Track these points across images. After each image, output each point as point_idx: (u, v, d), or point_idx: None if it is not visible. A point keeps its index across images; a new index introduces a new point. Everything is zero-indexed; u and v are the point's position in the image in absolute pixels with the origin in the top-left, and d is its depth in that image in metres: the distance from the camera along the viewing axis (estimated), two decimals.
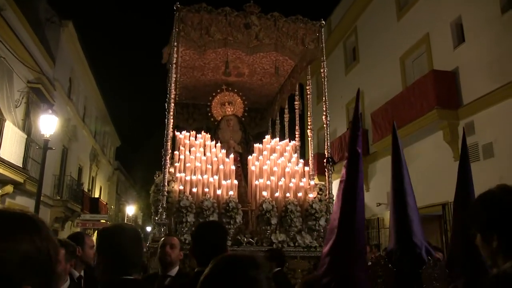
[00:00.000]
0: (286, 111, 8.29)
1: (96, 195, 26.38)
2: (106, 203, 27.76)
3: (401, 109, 12.34)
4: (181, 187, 5.92)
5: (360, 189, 2.12)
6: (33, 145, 13.68)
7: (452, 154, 10.84)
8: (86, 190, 22.78)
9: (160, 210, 5.58)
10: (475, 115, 10.36)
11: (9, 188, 12.41)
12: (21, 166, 12.46)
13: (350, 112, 17.15)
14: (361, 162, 2.17)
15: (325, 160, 6.23)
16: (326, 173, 6.23)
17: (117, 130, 33.29)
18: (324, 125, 6.40)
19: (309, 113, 6.89)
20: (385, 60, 14.48)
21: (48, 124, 10.99)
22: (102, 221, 22.36)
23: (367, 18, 16.14)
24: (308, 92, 7.10)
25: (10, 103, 12.21)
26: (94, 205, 23.10)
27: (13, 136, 11.88)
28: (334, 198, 2.23)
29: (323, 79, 6.55)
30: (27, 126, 14.07)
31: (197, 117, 8.97)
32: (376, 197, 14.44)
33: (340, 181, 2.18)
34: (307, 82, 7.14)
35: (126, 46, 71.03)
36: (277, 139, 7.63)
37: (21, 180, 12.57)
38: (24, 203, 14.24)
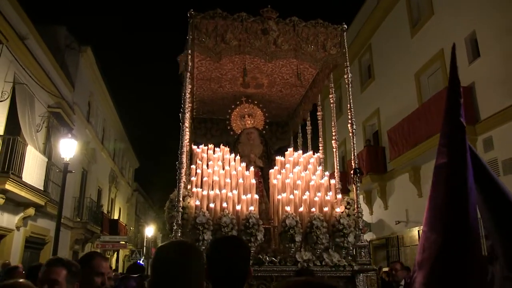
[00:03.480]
0: (309, 123, 7.61)
1: (116, 217, 25.88)
2: (126, 225, 27.27)
3: (417, 126, 11.80)
4: (198, 203, 5.24)
5: (470, 173, 1.40)
6: (54, 168, 13.39)
7: None
8: (105, 211, 22.33)
9: (175, 227, 4.91)
10: (493, 130, 9.78)
11: (30, 211, 12.21)
12: (42, 189, 12.24)
13: (366, 130, 16.54)
14: (466, 139, 1.47)
15: (352, 171, 5.52)
16: (354, 186, 5.50)
17: (136, 151, 32.95)
18: (350, 134, 5.68)
19: (333, 123, 6.22)
20: (400, 76, 13.94)
21: (68, 147, 10.96)
22: (121, 242, 21.86)
23: (381, 36, 15.69)
24: (332, 101, 6.43)
25: (32, 128, 12.02)
26: (114, 227, 22.68)
27: (35, 160, 11.71)
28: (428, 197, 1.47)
29: (347, 86, 5.90)
30: (47, 150, 13.90)
31: (215, 133, 8.26)
32: (395, 215, 13.75)
33: (437, 167, 1.45)
34: (330, 90, 6.49)
35: (143, 65, 71.30)
36: (300, 151, 6.94)
37: (42, 203, 12.37)
38: (45, 225, 14.13)
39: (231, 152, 6.49)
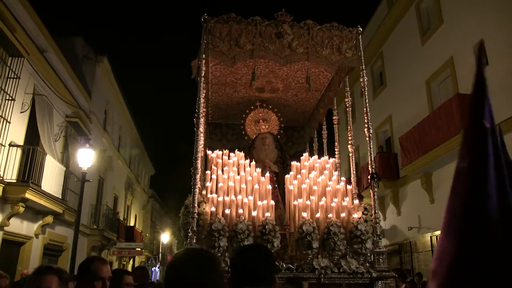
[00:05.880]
0: (324, 127, 7.37)
1: (131, 224, 25.63)
2: (141, 231, 27.07)
3: (428, 133, 11.52)
4: (213, 209, 5.04)
5: (492, 178, 1.24)
6: (72, 176, 13.32)
7: None
8: (121, 218, 22.10)
9: (190, 234, 4.70)
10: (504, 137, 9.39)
11: (49, 219, 12.10)
12: (60, 197, 12.13)
13: (379, 137, 16.22)
14: (491, 143, 1.30)
15: (369, 176, 5.27)
16: (371, 191, 5.26)
17: (151, 158, 32.67)
18: (367, 139, 5.43)
19: (349, 127, 5.98)
20: (411, 84, 13.67)
21: (86, 157, 10.84)
22: (137, 249, 21.67)
23: (392, 43, 15.45)
24: (347, 105, 6.21)
25: (50, 137, 11.98)
26: (130, 234, 22.38)
27: (53, 169, 11.62)
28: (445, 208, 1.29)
29: (363, 89, 5.69)
30: (65, 159, 13.79)
31: (231, 138, 8.00)
32: (408, 221, 13.40)
33: (458, 170, 1.30)
34: (346, 94, 6.27)
35: (158, 72, 71.22)
36: (316, 156, 6.70)
37: (61, 211, 12.23)
38: (63, 232, 14.08)
39: (245, 157, 6.29)
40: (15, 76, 9.93)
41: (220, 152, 6.33)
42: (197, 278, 1.44)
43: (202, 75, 5.42)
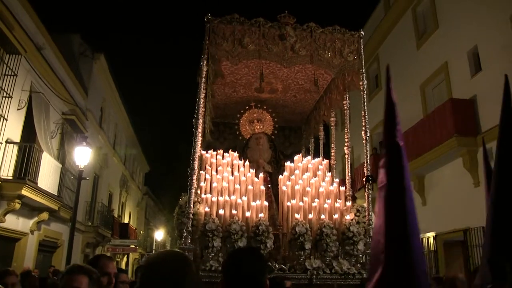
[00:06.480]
0: (321, 128, 7.43)
1: (126, 221, 25.59)
2: (135, 228, 27.04)
3: (421, 136, 11.65)
4: (207, 209, 5.08)
5: (409, 191, 1.36)
6: (68, 174, 13.30)
7: (472, 180, 10.06)
8: (116, 216, 22.08)
9: (185, 234, 4.74)
10: (494, 142, 9.49)
11: (44, 215, 12.10)
12: (56, 194, 12.12)
13: (373, 139, 16.31)
14: (405, 158, 1.41)
15: (364, 179, 5.33)
16: (366, 193, 5.33)
17: (146, 155, 32.54)
18: (363, 141, 5.50)
19: (346, 129, 6.03)
20: (406, 87, 13.73)
21: (83, 155, 10.91)
22: (131, 246, 21.66)
23: (388, 47, 15.55)
24: (345, 108, 6.27)
25: (47, 134, 11.97)
26: (124, 231, 22.40)
27: (49, 166, 11.61)
28: (374, 214, 1.42)
29: (362, 92, 5.77)
30: (61, 156, 13.74)
31: (228, 136, 8.01)
32: None
33: (380, 188, 1.40)
34: (345, 97, 6.32)
35: (155, 71, 70.55)
36: (309, 157, 6.75)
37: (56, 208, 12.24)
38: (58, 229, 14.07)
39: (240, 158, 6.33)
40: (12, 73, 9.91)
41: (214, 152, 6.37)
42: (178, 278, 1.51)
43: (203, 75, 5.46)
